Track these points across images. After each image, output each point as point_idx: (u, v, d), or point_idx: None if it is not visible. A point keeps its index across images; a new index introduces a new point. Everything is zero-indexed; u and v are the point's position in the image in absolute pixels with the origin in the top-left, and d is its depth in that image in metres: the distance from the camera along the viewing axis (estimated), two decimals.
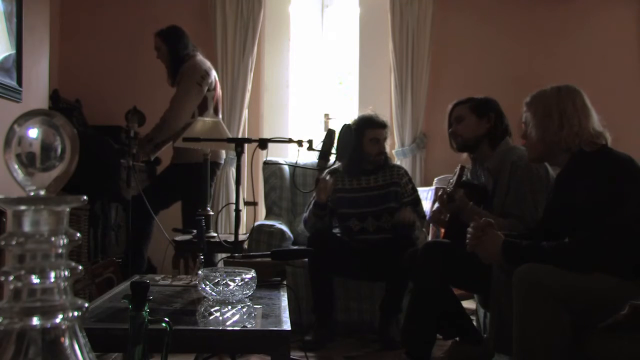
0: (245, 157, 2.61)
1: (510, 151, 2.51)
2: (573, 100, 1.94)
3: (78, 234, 0.57)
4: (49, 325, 0.53)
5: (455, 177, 2.61)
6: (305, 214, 3.20)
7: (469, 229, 1.98)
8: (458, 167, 2.63)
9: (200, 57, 3.41)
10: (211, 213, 2.94)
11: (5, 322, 0.52)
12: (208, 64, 3.42)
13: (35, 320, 0.53)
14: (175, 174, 3.37)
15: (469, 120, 2.59)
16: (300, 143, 2.42)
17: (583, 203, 1.84)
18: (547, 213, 2.08)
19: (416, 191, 3.21)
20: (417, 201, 3.18)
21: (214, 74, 3.43)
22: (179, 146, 3.16)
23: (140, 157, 3.33)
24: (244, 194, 3.89)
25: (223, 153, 3.56)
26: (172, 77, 3.41)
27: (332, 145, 2.38)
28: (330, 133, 2.40)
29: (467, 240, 1.97)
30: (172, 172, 3.42)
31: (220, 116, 3.55)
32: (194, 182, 3.09)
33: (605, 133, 1.94)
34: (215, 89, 3.43)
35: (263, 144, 2.47)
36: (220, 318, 1.62)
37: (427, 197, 3.78)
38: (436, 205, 2.61)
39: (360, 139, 3.05)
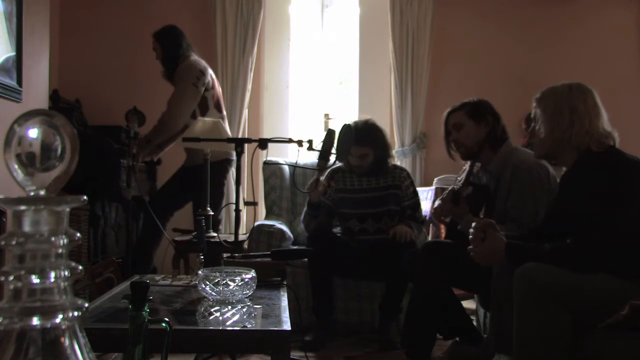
0: (245, 157, 2.61)
1: (512, 153, 2.49)
2: (584, 98, 1.93)
3: (78, 234, 0.57)
4: (49, 325, 0.53)
5: (464, 174, 2.59)
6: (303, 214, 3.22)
7: (471, 230, 1.98)
8: (467, 164, 2.61)
9: (195, 57, 3.40)
10: (211, 213, 2.94)
11: (5, 322, 0.52)
12: (203, 63, 3.41)
13: (35, 320, 0.53)
14: (186, 176, 3.37)
15: (468, 127, 2.54)
16: (300, 143, 2.41)
17: (588, 203, 1.84)
18: (551, 212, 2.08)
19: (417, 195, 3.20)
20: (417, 205, 3.18)
21: (210, 72, 3.42)
22: (184, 147, 3.16)
23: (139, 158, 3.33)
24: (244, 194, 3.89)
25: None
26: (170, 78, 3.41)
27: (332, 145, 2.37)
28: (330, 133, 2.40)
29: (470, 238, 1.96)
30: (183, 174, 3.43)
31: (225, 113, 3.54)
32: (205, 183, 3.09)
33: (614, 133, 1.93)
34: (213, 87, 3.43)
35: (263, 144, 2.47)
36: (220, 318, 1.62)
37: (427, 197, 3.79)
38: (438, 201, 2.59)
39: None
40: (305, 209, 3.17)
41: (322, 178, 3.02)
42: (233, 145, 3.11)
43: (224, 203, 3.62)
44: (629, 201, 1.80)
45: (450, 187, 2.60)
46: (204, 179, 2.93)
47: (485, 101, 2.61)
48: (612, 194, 1.79)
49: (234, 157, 3.56)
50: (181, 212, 3.48)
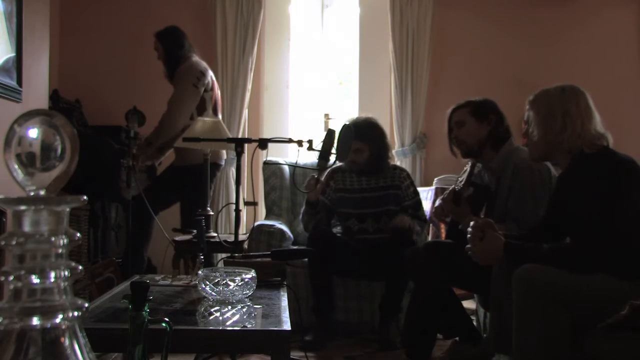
0: (245, 157, 2.61)
1: (514, 152, 2.49)
2: (577, 101, 1.94)
3: (78, 234, 0.57)
4: (49, 325, 0.53)
5: (465, 175, 2.59)
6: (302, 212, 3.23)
7: (469, 229, 1.98)
8: (469, 164, 2.61)
9: (195, 58, 3.40)
10: (211, 213, 2.94)
11: (5, 322, 0.52)
12: (204, 64, 3.41)
13: (35, 320, 0.53)
14: (174, 176, 3.37)
15: (470, 125, 2.54)
16: (300, 143, 2.42)
17: (584, 204, 1.84)
18: (548, 214, 2.08)
19: (417, 194, 3.20)
20: (418, 205, 3.18)
21: (210, 74, 3.42)
22: (179, 146, 3.16)
23: (142, 160, 3.32)
24: (244, 194, 3.89)
25: (224, 154, 3.56)
26: (171, 78, 3.41)
27: (332, 145, 2.37)
28: (330, 133, 2.40)
29: (468, 238, 1.96)
30: (171, 173, 3.42)
31: (220, 116, 3.54)
32: (193, 184, 3.09)
33: (607, 135, 1.93)
34: (212, 89, 3.43)
35: (263, 144, 2.47)
36: (220, 318, 1.62)
37: (427, 197, 3.79)
38: (438, 201, 2.59)
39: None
40: (303, 208, 3.18)
41: (322, 178, 3.03)
42: (223, 150, 3.12)
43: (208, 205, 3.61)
44: (627, 201, 1.80)
45: (451, 187, 2.60)
46: (194, 180, 2.93)
47: (491, 101, 2.61)
48: (609, 194, 1.80)
49: (223, 163, 3.57)
50: (178, 213, 3.47)
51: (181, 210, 3.38)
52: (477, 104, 2.59)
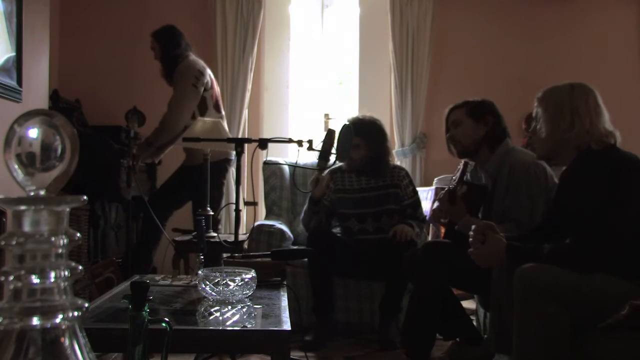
0: (245, 157, 2.61)
1: (509, 153, 2.49)
2: (586, 98, 1.93)
3: (78, 234, 0.57)
4: (49, 325, 0.53)
5: (458, 173, 2.60)
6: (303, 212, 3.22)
7: (471, 232, 1.97)
8: (461, 163, 2.61)
9: (193, 57, 3.39)
10: (211, 213, 2.94)
11: (5, 322, 0.52)
12: (201, 63, 3.40)
13: (35, 320, 0.53)
14: (186, 176, 3.37)
15: (466, 125, 2.54)
16: (300, 143, 2.42)
17: (586, 201, 1.84)
18: (550, 211, 2.08)
19: (416, 193, 3.20)
20: (417, 204, 3.17)
21: (208, 72, 3.41)
22: (181, 147, 3.16)
23: (140, 160, 3.32)
24: (244, 194, 3.89)
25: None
26: (168, 78, 3.40)
27: (332, 145, 2.37)
28: (330, 133, 2.40)
29: (470, 241, 1.96)
30: (182, 173, 3.43)
31: (223, 113, 3.54)
32: (204, 183, 3.09)
33: (616, 133, 1.93)
34: (212, 87, 3.42)
35: (263, 144, 2.47)
36: (220, 318, 1.62)
37: (427, 197, 3.79)
38: (436, 204, 2.60)
39: None
40: (305, 206, 3.17)
41: (324, 174, 3.03)
42: (233, 145, 3.12)
43: (223, 203, 3.61)
44: (628, 200, 1.80)
45: (446, 188, 2.60)
46: (204, 178, 2.93)
47: (489, 102, 2.61)
48: (611, 192, 1.79)
49: (233, 157, 3.56)
50: (181, 212, 3.48)
51: (193, 209, 3.38)
52: (475, 104, 2.58)
